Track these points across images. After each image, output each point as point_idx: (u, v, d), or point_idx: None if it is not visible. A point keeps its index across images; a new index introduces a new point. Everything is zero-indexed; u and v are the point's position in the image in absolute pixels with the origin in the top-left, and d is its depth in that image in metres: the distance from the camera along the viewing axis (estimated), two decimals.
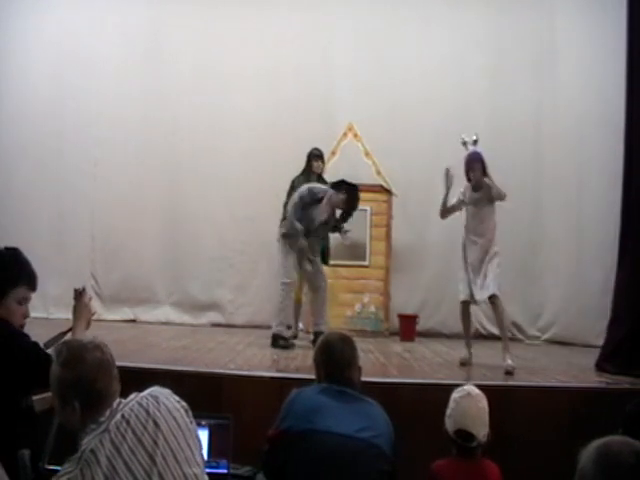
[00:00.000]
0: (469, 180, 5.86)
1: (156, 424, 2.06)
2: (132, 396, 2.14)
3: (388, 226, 8.13)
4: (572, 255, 8.06)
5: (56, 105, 8.50)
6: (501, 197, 5.82)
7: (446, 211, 6.00)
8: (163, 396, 2.16)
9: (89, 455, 1.97)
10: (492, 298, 5.66)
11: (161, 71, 8.53)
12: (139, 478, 1.97)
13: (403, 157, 8.31)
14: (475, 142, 5.94)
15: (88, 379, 2.07)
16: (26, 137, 8.45)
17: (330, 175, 8.12)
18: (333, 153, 8.06)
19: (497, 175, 8.47)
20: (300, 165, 7.54)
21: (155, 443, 2.03)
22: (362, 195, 8.07)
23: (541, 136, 8.39)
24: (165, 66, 8.53)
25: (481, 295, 5.70)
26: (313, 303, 6.79)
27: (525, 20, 8.49)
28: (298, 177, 7.35)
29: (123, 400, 2.12)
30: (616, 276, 5.95)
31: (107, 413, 2.06)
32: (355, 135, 8.09)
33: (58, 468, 2.95)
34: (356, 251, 7.95)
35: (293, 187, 7.11)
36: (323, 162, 7.54)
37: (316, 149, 7.49)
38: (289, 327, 6.70)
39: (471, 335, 6.06)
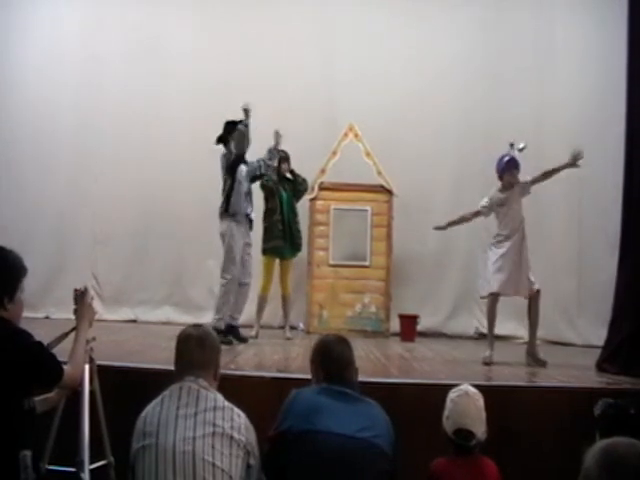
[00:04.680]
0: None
1: None
2: None
3: (389, 226, 8.12)
4: (573, 255, 8.07)
5: (56, 105, 8.50)
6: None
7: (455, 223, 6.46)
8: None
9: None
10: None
11: (162, 71, 8.53)
12: None
13: (404, 157, 8.30)
14: (521, 149, 6.37)
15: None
16: (26, 137, 8.46)
17: (331, 176, 8.14)
18: (334, 153, 8.06)
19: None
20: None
21: None
22: (363, 195, 8.16)
23: (541, 136, 8.36)
24: (166, 66, 8.53)
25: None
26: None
27: (525, 20, 8.50)
28: None
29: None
30: (617, 276, 5.93)
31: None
32: (356, 135, 8.08)
33: (58, 468, 2.94)
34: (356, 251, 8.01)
35: None
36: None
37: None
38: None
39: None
